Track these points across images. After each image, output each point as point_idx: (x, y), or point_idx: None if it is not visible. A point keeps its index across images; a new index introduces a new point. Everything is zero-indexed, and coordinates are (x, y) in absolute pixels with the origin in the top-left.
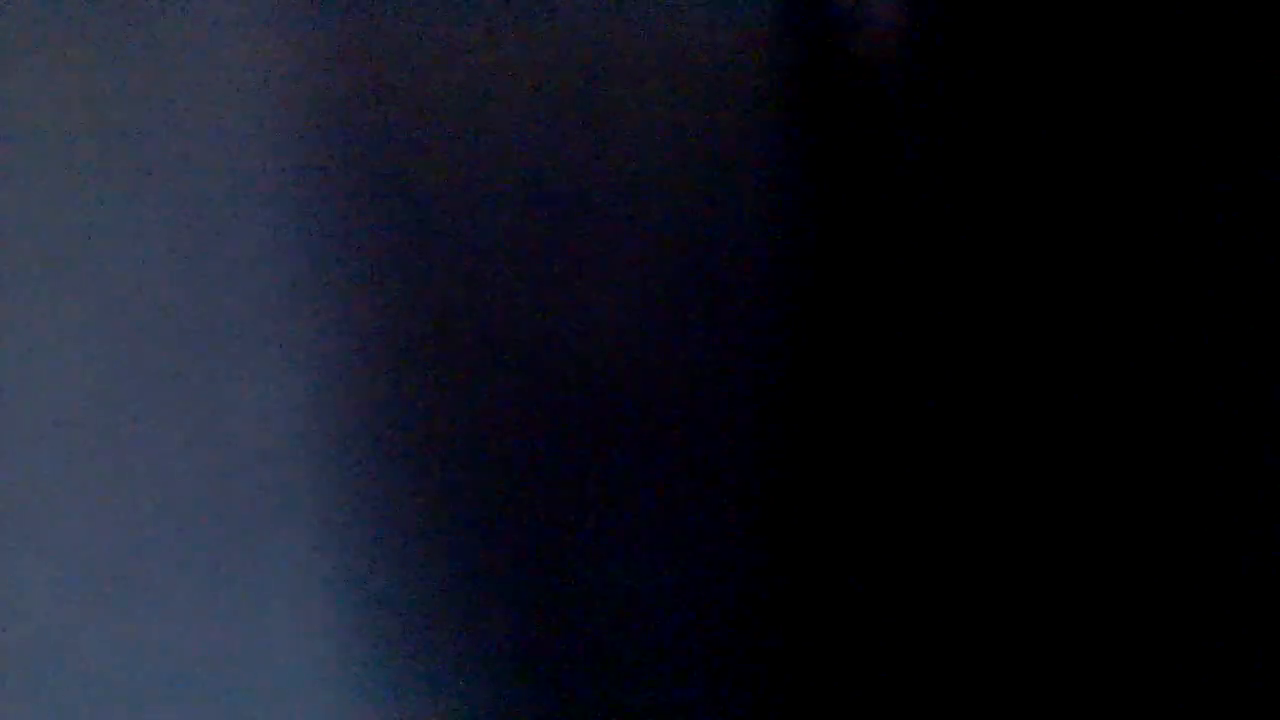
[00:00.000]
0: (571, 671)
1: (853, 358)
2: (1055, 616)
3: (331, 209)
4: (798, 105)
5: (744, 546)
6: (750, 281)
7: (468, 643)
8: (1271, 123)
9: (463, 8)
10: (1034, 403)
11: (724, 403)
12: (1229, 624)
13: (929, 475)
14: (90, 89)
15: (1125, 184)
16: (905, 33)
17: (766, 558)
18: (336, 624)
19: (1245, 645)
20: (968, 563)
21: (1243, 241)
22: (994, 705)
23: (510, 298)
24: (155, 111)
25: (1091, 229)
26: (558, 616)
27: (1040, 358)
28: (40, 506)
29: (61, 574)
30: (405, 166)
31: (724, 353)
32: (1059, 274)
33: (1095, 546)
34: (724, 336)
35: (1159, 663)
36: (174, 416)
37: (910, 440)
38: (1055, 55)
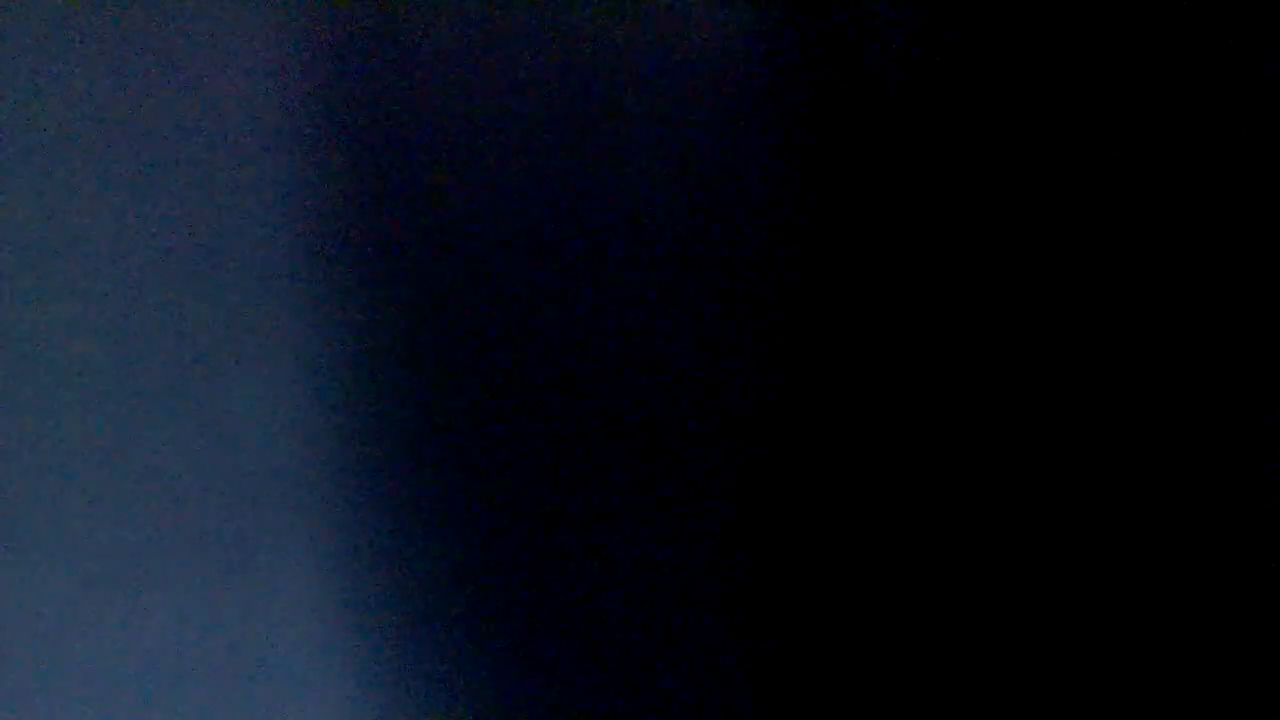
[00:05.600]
0: (572, 673)
1: (852, 358)
2: (1055, 618)
3: (332, 209)
4: (798, 105)
5: (745, 548)
6: (750, 282)
7: (468, 643)
8: (1272, 123)
9: (463, 8)
10: (1034, 404)
11: (724, 403)
12: (1229, 624)
13: (930, 476)
14: (90, 89)
15: (1126, 185)
16: (906, 33)
17: (767, 559)
18: (337, 624)
19: (1245, 645)
20: (968, 563)
21: (1243, 243)
22: (994, 705)
23: (510, 298)
24: (155, 111)
25: (1093, 230)
26: (559, 617)
27: (1040, 359)
28: (40, 506)
29: (61, 574)
30: (406, 166)
31: (724, 353)
32: (1061, 276)
33: (1095, 548)
34: (723, 337)
35: (1159, 663)
36: (173, 416)
37: (911, 441)
38: (1057, 57)
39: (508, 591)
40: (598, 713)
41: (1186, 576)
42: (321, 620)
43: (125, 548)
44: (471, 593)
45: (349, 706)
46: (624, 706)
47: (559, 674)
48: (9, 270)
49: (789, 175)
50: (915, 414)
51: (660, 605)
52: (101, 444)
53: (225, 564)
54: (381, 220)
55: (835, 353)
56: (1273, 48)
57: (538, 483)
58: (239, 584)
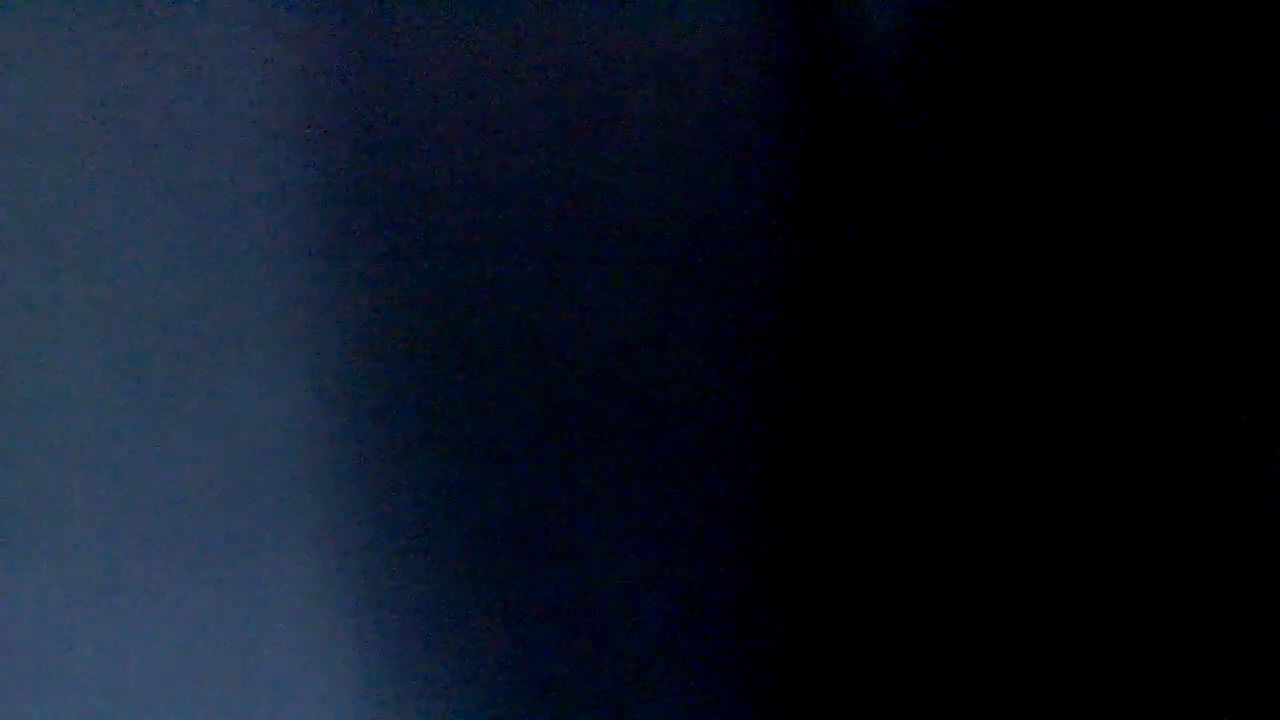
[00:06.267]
0: (571, 674)
1: (852, 359)
2: (1055, 618)
3: (331, 208)
4: (797, 106)
5: (744, 549)
6: (750, 282)
7: (468, 644)
8: (1272, 123)
9: (463, 8)
10: (1034, 405)
11: (723, 405)
12: (1229, 624)
13: (930, 478)
14: (91, 88)
15: (1126, 187)
16: (906, 33)
17: (766, 561)
18: (336, 625)
19: (1245, 645)
20: (969, 565)
21: (1243, 244)
22: (994, 705)
23: (510, 297)
24: (155, 110)
25: (1093, 232)
26: (558, 618)
27: (1041, 361)
28: (40, 506)
29: (61, 574)
30: (406, 166)
31: (723, 354)
32: (1062, 278)
33: (1096, 548)
34: (723, 338)
35: (1159, 663)
36: (173, 417)
37: (911, 443)
38: (1057, 58)
39: (509, 592)
40: (598, 712)
41: (1187, 576)
42: (322, 620)
43: (125, 548)
44: (472, 593)
45: (349, 706)
46: (624, 707)
47: (559, 674)
48: (8, 270)
49: (789, 176)
50: (912, 416)
51: (662, 606)
52: (102, 444)
53: (225, 564)
54: (381, 219)
55: (836, 354)
56: (1273, 48)
57: (539, 483)
58: (239, 584)
